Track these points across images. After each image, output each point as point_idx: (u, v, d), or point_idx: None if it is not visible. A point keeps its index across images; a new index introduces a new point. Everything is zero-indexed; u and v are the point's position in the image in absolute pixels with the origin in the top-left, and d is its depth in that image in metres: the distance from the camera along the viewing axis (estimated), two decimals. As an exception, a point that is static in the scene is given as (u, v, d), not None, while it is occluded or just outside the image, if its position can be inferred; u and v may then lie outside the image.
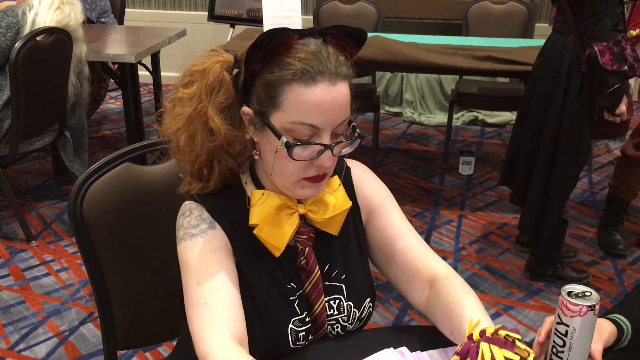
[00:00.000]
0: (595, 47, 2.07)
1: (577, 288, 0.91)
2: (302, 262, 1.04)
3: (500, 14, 3.79)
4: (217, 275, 0.96)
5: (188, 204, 1.03)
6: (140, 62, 3.20)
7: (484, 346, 0.86)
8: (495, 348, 0.86)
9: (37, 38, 2.56)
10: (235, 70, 0.98)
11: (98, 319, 2.27)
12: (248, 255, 1.01)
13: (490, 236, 2.93)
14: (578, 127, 2.24)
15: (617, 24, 2.09)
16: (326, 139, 0.94)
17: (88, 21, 3.38)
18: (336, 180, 1.07)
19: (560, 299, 0.89)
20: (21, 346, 2.17)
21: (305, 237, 1.04)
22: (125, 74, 3.16)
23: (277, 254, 1.01)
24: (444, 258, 2.72)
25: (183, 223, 1.01)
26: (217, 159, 0.99)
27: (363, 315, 1.10)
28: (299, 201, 1.03)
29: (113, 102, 4.66)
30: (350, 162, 1.14)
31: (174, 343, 1.34)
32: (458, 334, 0.97)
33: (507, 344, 0.87)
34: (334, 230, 1.06)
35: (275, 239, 1.00)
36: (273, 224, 1.00)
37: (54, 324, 2.29)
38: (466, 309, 0.97)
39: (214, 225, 1.00)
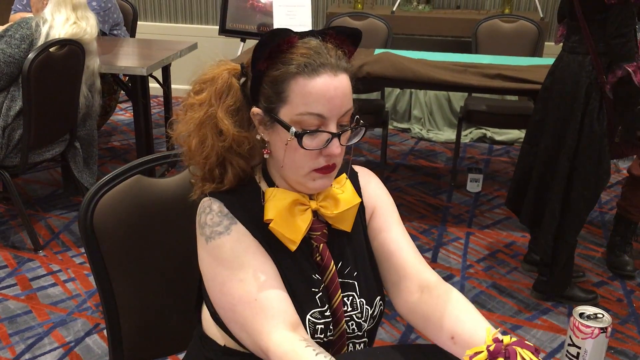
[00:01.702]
0: (628, 68, 2.07)
1: (589, 310, 0.91)
2: (318, 258, 1.08)
3: (510, 32, 3.80)
4: (258, 269, 0.99)
5: (206, 201, 1.05)
6: (151, 75, 3.22)
7: (521, 350, 0.86)
8: (528, 353, 0.86)
9: (50, 49, 2.58)
10: (243, 79, 1.04)
11: (104, 330, 2.28)
12: (270, 248, 1.04)
13: (498, 254, 2.91)
14: (598, 149, 2.23)
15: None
16: (333, 128, 0.99)
17: (101, 33, 3.41)
18: (343, 177, 1.12)
19: (572, 320, 0.89)
20: (26, 356, 2.17)
21: (319, 233, 1.08)
22: (136, 86, 3.19)
23: (293, 247, 1.04)
24: (451, 276, 2.71)
25: (207, 221, 1.02)
26: (229, 160, 1.03)
27: (375, 313, 1.12)
28: (311, 198, 1.07)
29: (123, 114, 4.69)
30: (357, 168, 1.20)
31: (181, 357, 1.34)
32: (463, 339, 0.96)
33: (536, 351, 0.87)
34: (346, 225, 1.10)
35: (291, 233, 1.03)
36: (287, 218, 1.03)
37: (60, 334, 2.29)
38: (474, 315, 0.98)
39: (235, 220, 1.02)
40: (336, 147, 0.99)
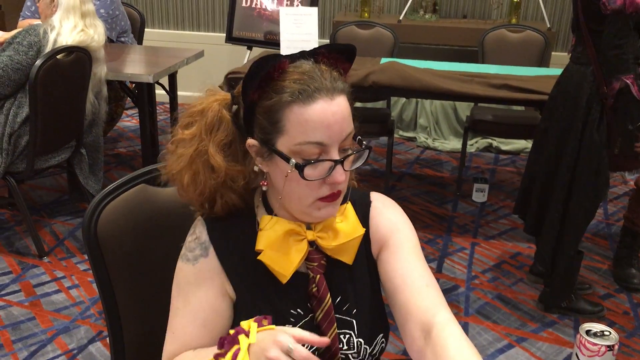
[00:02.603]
0: (626, 80, 2.06)
1: (596, 327, 0.90)
2: (314, 290, 1.02)
3: (516, 42, 3.79)
4: (194, 309, 1.01)
5: (197, 221, 1.07)
6: (157, 82, 3.23)
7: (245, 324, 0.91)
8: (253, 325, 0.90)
9: (58, 56, 2.59)
10: (234, 107, 0.99)
11: (107, 338, 2.27)
12: (250, 279, 1.01)
13: (504, 265, 2.89)
14: (597, 160, 2.22)
15: (637, 57, 2.09)
16: (335, 155, 0.94)
17: (108, 40, 3.42)
18: (347, 206, 1.06)
19: (579, 337, 0.88)
20: (29, 363, 2.17)
21: (316, 264, 1.03)
22: (143, 93, 3.19)
23: (284, 280, 1.00)
24: (456, 286, 2.69)
25: (187, 240, 1.06)
26: (220, 194, 1.01)
27: (375, 351, 1.07)
28: (308, 227, 1.02)
29: (129, 120, 4.70)
30: (374, 196, 1.12)
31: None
32: None
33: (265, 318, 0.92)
34: (347, 258, 1.04)
35: (282, 266, 0.99)
36: (280, 249, 1.00)
37: (63, 341, 2.28)
38: None
39: (207, 252, 1.02)
40: (340, 175, 0.94)
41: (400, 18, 4.28)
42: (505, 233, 3.19)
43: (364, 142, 0.99)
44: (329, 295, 1.03)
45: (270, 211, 1.03)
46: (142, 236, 1.26)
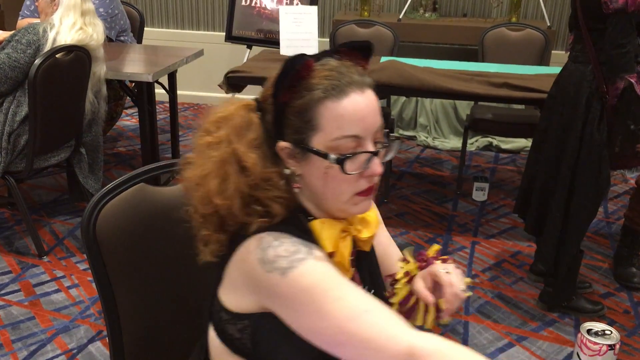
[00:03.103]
0: (630, 79, 2.06)
1: (597, 326, 0.89)
2: None
3: (516, 40, 3.79)
4: (350, 284, 0.91)
5: (266, 236, 0.94)
6: (157, 81, 3.23)
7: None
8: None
9: (57, 55, 2.59)
10: (259, 113, 0.99)
11: (106, 338, 2.26)
12: None
13: (504, 264, 2.89)
14: (598, 159, 2.22)
15: (637, 55, 2.08)
16: (370, 147, 0.95)
17: (107, 39, 3.42)
18: None
19: (580, 336, 0.87)
20: (29, 363, 2.17)
21: (352, 257, 1.05)
22: (142, 92, 3.19)
23: (348, 276, 1.01)
24: (457, 285, 2.68)
25: (279, 253, 0.91)
26: (257, 199, 0.95)
27: None
28: (349, 223, 1.04)
29: (129, 119, 4.69)
30: None
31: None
32: None
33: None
34: (368, 247, 1.07)
35: (345, 263, 1.01)
36: (340, 248, 1.01)
37: (63, 341, 2.28)
38: None
39: (311, 245, 0.95)
40: (377, 166, 0.96)
41: (400, 17, 4.28)
42: (506, 232, 3.19)
43: (391, 134, 1.01)
44: (361, 286, 1.05)
45: (307, 215, 1.01)
46: (141, 235, 1.25)
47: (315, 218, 1.00)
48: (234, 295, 0.98)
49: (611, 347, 0.84)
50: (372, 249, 1.13)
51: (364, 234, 1.03)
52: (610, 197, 3.63)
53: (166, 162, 1.32)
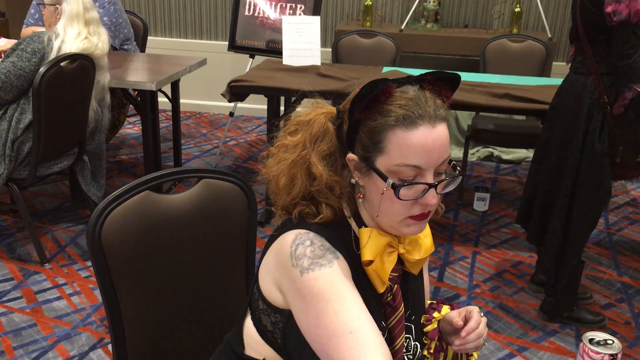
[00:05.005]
0: (638, 89, 2.07)
1: (599, 336, 0.90)
2: (389, 299, 1.08)
3: (518, 52, 3.81)
4: (354, 302, 0.97)
5: (304, 234, 1.02)
6: (160, 90, 3.24)
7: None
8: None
9: (61, 64, 2.60)
10: (338, 121, 1.04)
11: (108, 345, 2.27)
12: (360, 287, 1.03)
13: (505, 274, 2.89)
14: (599, 169, 2.23)
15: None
16: (429, 178, 0.99)
17: (111, 48, 3.44)
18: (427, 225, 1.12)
19: (582, 346, 0.88)
20: (30, 370, 2.17)
21: (396, 274, 1.08)
22: (145, 100, 3.20)
23: (382, 289, 1.05)
24: (457, 295, 2.69)
25: (306, 252, 0.99)
26: (317, 202, 1.04)
27: (421, 353, 1.14)
28: (398, 241, 1.08)
29: (131, 128, 4.71)
30: None
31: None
32: None
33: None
34: (416, 270, 1.12)
35: (383, 275, 1.04)
36: (381, 260, 1.04)
37: (64, 348, 2.28)
38: None
39: (338, 255, 1.01)
40: (432, 197, 1.00)
41: (402, 27, 4.30)
42: (507, 242, 3.19)
43: (458, 168, 1.05)
44: (402, 304, 1.09)
45: (360, 222, 1.07)
46: (146, 243, 1.26)
47: (367, 227, 1.06)
48: (267, 280, 1.06)
49: (613, 356, 0.85)
50: (421, 274, 1.17)
51: (414, 256, 1.08)
52: (611, 208, 3.63)
53: (171, 170, 1.33)
